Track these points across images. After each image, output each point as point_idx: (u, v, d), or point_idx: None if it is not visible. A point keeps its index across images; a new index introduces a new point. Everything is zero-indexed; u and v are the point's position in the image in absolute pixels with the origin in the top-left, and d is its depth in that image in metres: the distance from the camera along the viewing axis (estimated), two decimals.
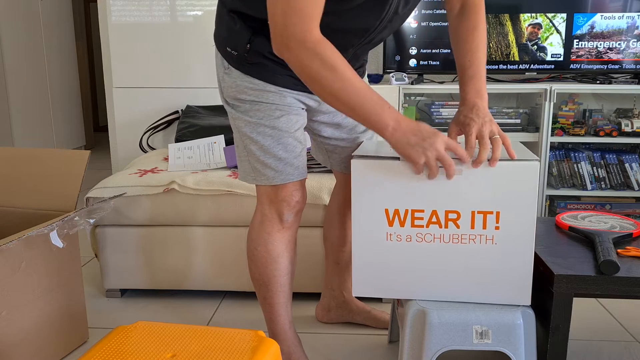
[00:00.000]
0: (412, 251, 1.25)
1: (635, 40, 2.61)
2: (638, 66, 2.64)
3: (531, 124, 2.73)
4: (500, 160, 1.16)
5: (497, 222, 1.20)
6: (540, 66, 2.67)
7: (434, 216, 1.22)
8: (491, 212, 1.20)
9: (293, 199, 1.39)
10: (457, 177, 1.18)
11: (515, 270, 1.23)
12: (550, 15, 2.61)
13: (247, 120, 1.33)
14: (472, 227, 1.21)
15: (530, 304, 1.25)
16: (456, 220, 1.22)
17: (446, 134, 1.21)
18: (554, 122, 2.70)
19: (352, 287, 1.31)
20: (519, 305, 1.26)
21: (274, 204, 1.39)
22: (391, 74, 2.70)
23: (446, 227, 1.22)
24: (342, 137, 1.49)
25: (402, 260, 1.26)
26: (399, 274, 1.27)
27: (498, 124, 1.33)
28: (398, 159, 1.20)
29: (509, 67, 2.67)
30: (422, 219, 1.23)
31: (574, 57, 2.65)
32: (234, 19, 1.30)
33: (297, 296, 1.95)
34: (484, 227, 1.21)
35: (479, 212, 1.20)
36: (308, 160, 1.96)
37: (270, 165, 1.34)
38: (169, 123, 2.74)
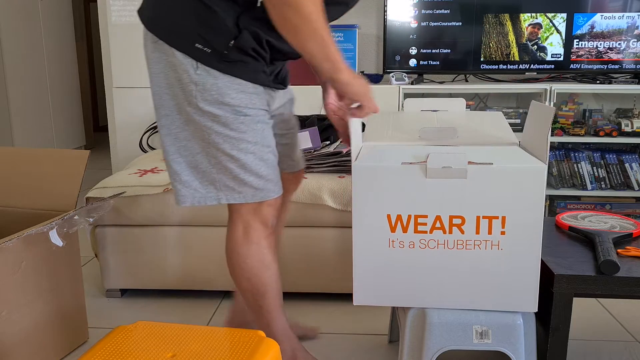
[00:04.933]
0: (415, 258, 1.23)
1: (635, 40, 2.61)
2: (638, 66, 2.64)
3: None
4: (506, 164, 1.16)
5: (503, 227, 1.18)
6: (540, 66, 2.66)
7: (438, 222, 1.20)
8: (497, 217, 1.18)
9: (277, 203, 1.35)
10: (461, 180, 1.17)
11: (521, 276, 1.20)
12: (550, 15, 2.61)
13: (228, 135, 1.22)
14: (477, 232, 1.19)
15: (536, 310, 1.24)
16: (461, 225, 1.19)
17: None
18: (554, 122, 2.70)
19: (353, 296, 1.28)
20: None
21: (259, 214, 1.33)
22: (391, 74, 2.70)
23: (450, 232, 1.20)
24: (278, 132, 1.42)
25: (405, 267, 1.24)
26: (402, 281, 1.25)
27: None
28: (399, 163, 1.19)
29: (509, 67, 2.67)
30: (425, 224, 1.20)
31: (574, 57, 2.64)
32: (211, 10, 1.16)
33: (297, 296, 1.95)
34: (490, 232, 1.19)
35: (484, 217, 1.18)
36: (307, 160, 1.96)
37: (250, 183, 1.27)
38: None
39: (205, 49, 1.17)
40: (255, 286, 1.37)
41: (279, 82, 1.35)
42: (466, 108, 1.57)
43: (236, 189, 1.27)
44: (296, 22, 1.12)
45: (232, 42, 1.17)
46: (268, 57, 1.25)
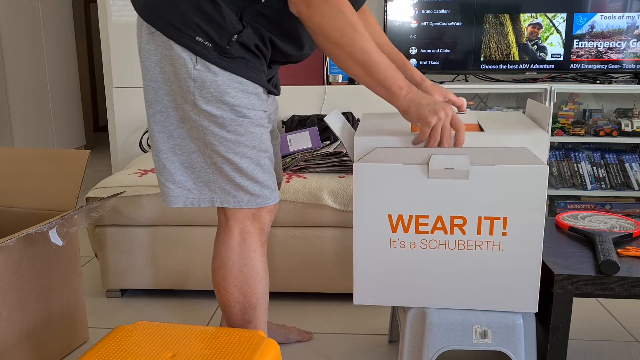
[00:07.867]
0: (416, 258, 1.23)
1: (635, 40, 2.61)
2: (638, 66, 2.64)
3: None
4: (508, 164, 1.16)
5: (504, 227, 1.18)
6: (540, 66, 2.66)
7: (439, 222, 1.20)
8: (498, 218, 1.18)
9: (275, 209, 1.31)
10: (463, 181, 1.17)
11: (522, 277, 1.21)
12: (550, 15, 2.61)
13: (224, 137, 1.17)
14: (479, 233, 1.19)
15: (537, 311, 1.24)
16: (462, 226, 1.20)
17: None
18: (554, 122, 2.70)
19: (354, 295, 1.28)
20: None
21: (257, 220, 1.27)
22: None
23: (452, 233, 1.20)
24: None
25: (406, 267, 1.24)
26: (403, 281, 1.25)
27: None
28: (401, 163, 1.18)
29: (509, 67, 2.67)
30: (426, 224, 1.20)
31: (574, 57, 2.64)
32: (214, 2, 1.11)
33: (297, 296, 1.95)
34: (491, 233, 1.19)
35: (485, 218, 1.18)
36: (307, 160, 1.96)
37: (245, 187, 1.22)
38: None
39: (205, 42, 1.12)
40: (247, 298, 1.29)
41: (273, 87, 1.32)
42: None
43: (231, 192, 1.22)
44: (328, 47, 1.13)
45: (235, 37, 1.12)
46: (269, 57, 1.22)
